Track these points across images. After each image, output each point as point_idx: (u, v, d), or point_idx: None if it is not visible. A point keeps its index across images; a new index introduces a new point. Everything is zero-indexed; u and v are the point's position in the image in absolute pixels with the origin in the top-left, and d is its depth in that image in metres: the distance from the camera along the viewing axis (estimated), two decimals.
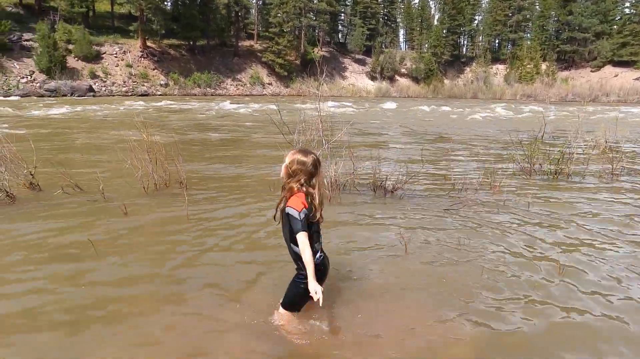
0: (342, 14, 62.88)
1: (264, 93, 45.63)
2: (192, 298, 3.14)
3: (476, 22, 67.41)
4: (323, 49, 55.67)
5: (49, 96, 31.72)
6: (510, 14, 61.52)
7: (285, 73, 48.70)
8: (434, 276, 3.54)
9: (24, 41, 35.45)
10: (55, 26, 37.22)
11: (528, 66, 56.58)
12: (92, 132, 12.98)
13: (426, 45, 62.80)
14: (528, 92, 51.67)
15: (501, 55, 63.43)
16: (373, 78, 55.94)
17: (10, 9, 37.89)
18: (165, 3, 43.51)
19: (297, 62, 50.47)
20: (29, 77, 33.81)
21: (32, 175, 5.75)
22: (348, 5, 61.23)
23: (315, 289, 2.37)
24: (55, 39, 34.82)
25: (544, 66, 57.06)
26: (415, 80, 57.16)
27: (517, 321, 2.92)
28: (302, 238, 2.44)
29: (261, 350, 2.59)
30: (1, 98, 29.12)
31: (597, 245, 4.31)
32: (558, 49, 59.51)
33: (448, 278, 3.50)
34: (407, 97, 51.01)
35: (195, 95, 40.01)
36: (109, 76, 37.95)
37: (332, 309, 2.94)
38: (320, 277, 2.68)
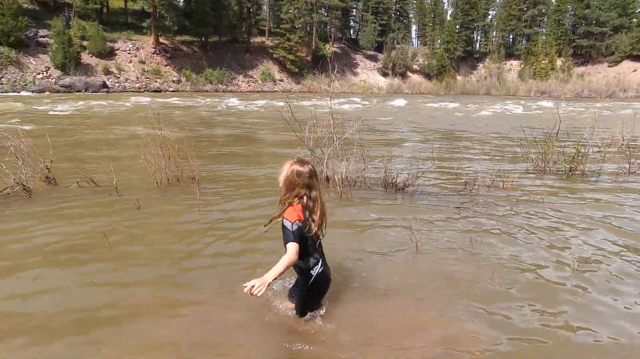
0: (354, 10, 62.42)
1: (275, 89, 45.67)
2: (199, 296, 3.16)
3: (490, 17, 66.36)
4: (334, 45, 55.37)
5: (64, 92, 32.17)
6: (525, 9, 60.31)
7: (297, 70, 48.59)
8: (445, 275, 3.51)
9: (39, 37, 35.94)
10: (70, 22, 37.68)
11: (543, 62, 55.52)
12: (103, 128, 13.15)
13: (439, 41, 62.04)
14: (542, 88, 50.79)
15: (515, 51, 62.34)
16: (385, 75, 55.48)
17: (27, 5, 38.45)
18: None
19: (309, 58, 50.31)
20: (45, 72, 34.30)
21: (48, 169, 5.86)
22: (360, 0, 60.76)
23: (253, 282, 2.21)
24: (70, 35, 35.23)
25: (559, 62, 55.92)
26: (428, 76, 56.55)
27: (528, 323, 2.87)
28: (291, 247, 2.41)
29: (267, 348, 2.60)
30: (19, 93, 29.63)
31: (613, 246, 4.22)
32: (574, 44, 58.14)
33: (459, 278, 3.47)
34: (418, 93, 50.56)
35: (207, 91, 40.22)
36: (122, 72, 38.30)
37: (336, 309, 2.93)
38: (321, 290, 2.73)
